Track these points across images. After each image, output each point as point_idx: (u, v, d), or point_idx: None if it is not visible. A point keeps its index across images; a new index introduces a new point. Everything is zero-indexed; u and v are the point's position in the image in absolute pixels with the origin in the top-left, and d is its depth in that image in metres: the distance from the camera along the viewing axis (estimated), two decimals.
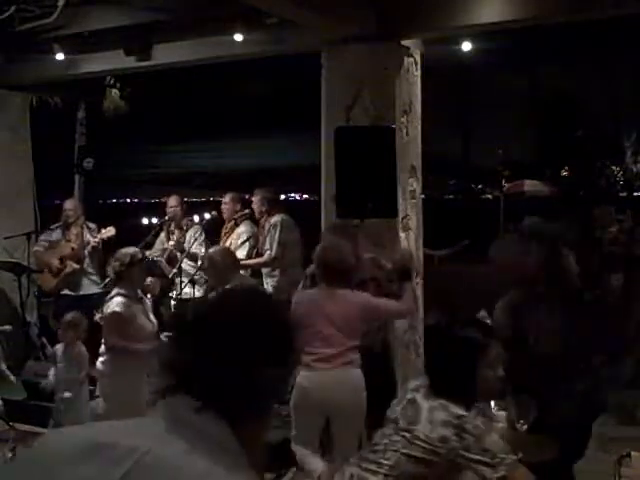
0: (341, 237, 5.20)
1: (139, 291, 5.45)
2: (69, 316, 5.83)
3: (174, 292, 7.52)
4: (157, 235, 8.22)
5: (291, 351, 1.41)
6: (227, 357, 1.34)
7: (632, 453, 3.48)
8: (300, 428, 4.77)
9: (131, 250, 5.47)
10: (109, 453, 1.20)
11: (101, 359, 5.29)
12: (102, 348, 5.29)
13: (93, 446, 1.22)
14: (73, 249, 7.93)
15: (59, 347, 5.83)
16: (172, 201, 8.20)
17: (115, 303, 5.15)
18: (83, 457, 1.21)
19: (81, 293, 8.00)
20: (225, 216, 7.70)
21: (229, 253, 6.11)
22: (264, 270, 7.39)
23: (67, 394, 5.49)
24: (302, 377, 4.70)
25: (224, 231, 7.69)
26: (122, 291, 5.18)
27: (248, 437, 1.33)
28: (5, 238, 8.43)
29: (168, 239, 8.09)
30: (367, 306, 4.75)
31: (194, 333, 1.38)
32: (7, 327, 7.75)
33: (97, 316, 5.50)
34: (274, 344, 1.38)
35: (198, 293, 7.40)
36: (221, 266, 5.68)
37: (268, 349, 1.36)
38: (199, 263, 7.45)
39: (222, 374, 1.33)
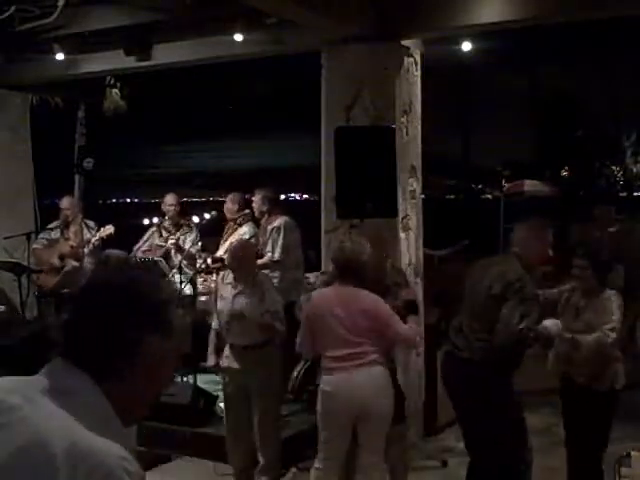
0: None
1: None
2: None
3: None
4: (151, 234, 8.22)
5: (147, 318, 1.54)
6: (90, 321, 1.53)
7: (632, 453, 3.48)
8: (329, 434, 4.71)
9: (117, 253, 5.35)
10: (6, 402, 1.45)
11: None
12: None
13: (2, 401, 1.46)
14: (72, 247, 7.93)
15: None
16: (171, 199, 8.19)
17: None
18: (6, 410, 1.44)
19: None
20: (227, 216, 7.70)
21: (251, 246, 6.14)
22: (265, 271, 7.40)
23: None
24: (324, 381, 4.70)
25: (226, 231, 7.69)
26: None
27: (116, 396, 1.49)
28: (5, 238, 8.43)
29: (162, 238, 8.09)
30: (376, 312, 4.63)
31: (72, 303, 1.61)
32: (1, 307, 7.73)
33: None
34: (130, 309, 1.53)
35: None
36: (248, 259, 5.65)
37: (125, 314, 1.52)
38: (198, 263, 7.47)
39: (87, 336, 1.52)
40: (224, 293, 5.62)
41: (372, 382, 4.60)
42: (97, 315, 1.53)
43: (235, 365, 5.42)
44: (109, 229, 8.02)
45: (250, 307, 5.31)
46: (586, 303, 4.59)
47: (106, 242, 8.09)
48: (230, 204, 7.69)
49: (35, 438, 1.39)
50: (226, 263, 6.27)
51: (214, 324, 5.83)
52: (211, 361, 5.78)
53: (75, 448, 1.37)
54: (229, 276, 5.71)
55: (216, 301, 5.78)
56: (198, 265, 7.46)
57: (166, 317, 1.58)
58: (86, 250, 8.00)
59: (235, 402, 5.51)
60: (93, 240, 7.96)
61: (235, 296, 5.48)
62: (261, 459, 5.47)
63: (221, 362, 5.59)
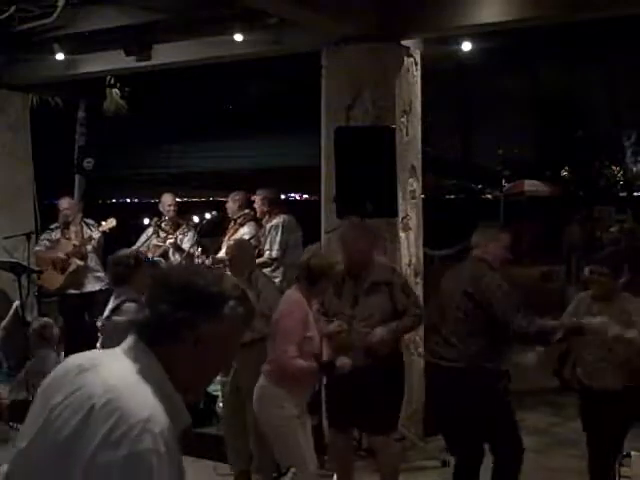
0: (359, 236, 5.04)
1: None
2: (35, 322, 5.60)
3: None
4: (149, 235, 8.22)
5: (202, 308, 1.87)
6: (155, 309, 1.87)
7: (632, 453, 3.48)
8: None
9: (131, 252, 5.27)
10: (84, 368, 1.86)
11: None
12: None
13: (79, 365, 1.88)
14: (75, 246, 7.94)
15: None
16: (169, 199, 8.20)
17: (128, 310, 4.79)
18: (79, 371, 1.85)
19: (85, 291, 8.01)
20: (229, 215, 7.72)
21: (246, 245, 6.13)
22: (265, 270, 7.40)
23: None
24: None
25: (229, 230, 7.70)
26: (130, 296, 4.85)
27: (175, 372, 1.85)
28: (5, 238, 8.44)
29: (159, 238, 8.10)
30: (279, 318, 4.54)
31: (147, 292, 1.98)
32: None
33: (99, 322, 5.25)
34: (187, 301, 1.86)
35: None
36: (246, 258, 5.64)
37: (182, 305, 1.85)
38: (197, 262, 7.47)
39: (152, 321, 1.87)
40: None
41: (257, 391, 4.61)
42: (160, 304, 1.86)
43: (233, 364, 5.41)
44: (111, 222, 8.03)
45: None
46: (600, 308, 4.56)
47: (109, 238, 8.10)
48: (231, 203, 7.70)
49: (88, 391, 1.77)
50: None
51: None
52: None
53: (109, 405, 1.71)
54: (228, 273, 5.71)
55: None
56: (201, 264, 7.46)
57: (219, 308, 1.89)
58: (89, 248, 8.00)
59: (232, 401, 5.51)
60: (95, 234, 7.96)
61: None
62: (255, 458, 5.47)
63: None
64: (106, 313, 4.98)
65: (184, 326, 1.85)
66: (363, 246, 4.99)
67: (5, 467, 1.93)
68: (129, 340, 1.90)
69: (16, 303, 7.65)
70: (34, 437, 1.82)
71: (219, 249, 7.57)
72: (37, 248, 8.17)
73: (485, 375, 4.56)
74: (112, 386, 1.76)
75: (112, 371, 1.82)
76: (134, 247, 8.01)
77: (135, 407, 1.71)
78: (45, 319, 6.12)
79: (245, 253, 5.73)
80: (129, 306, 4.83)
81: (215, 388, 6.43)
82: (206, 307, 1.87)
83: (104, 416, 1.70)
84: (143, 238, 8.18)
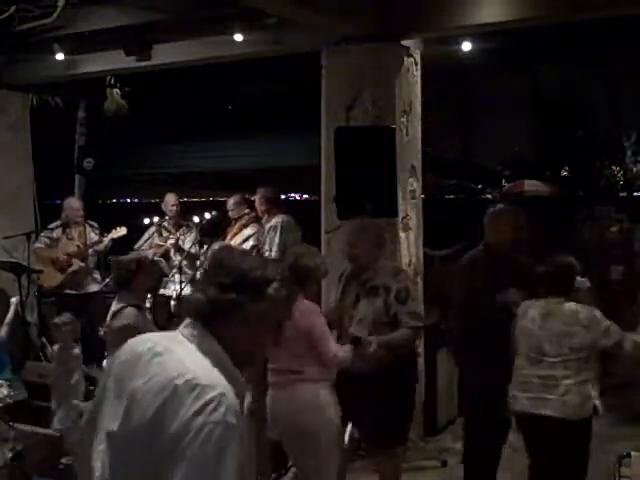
0: (364, 237, 4.89)
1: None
2: (59, 317, 5.61)
3: (172, 291, 7.51)
4: (151, 234, 8.23)
5: (247, 290, 2.08)
6: (206, 289, 2.10)
7: (632, 453, 3.48)
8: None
9: (134, 256, 5.21)
10: (156, 352, 2.06)
11: None
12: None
13: (150, 349, 2.08)
14: (79, 247, 7.95)
15: (55, 348, 5.63)
16: (172, 199, 8.22)
17: (127, 315, 4.80)
18: (152, 355, 2.06)
19: (83, 292, 8.02)
20: (231, 215, 7.72)
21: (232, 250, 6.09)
22: None
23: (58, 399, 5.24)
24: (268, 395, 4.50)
25: (231, 230, 7.69)
26: (131, 302, 4.85)
27: (228, 346, 2.07)
28: (5, 238, 8.43)
29: (161, 237, 8.11)
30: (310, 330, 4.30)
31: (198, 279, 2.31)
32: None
33: (102, 331, 5.19)
34: (234, 283, 2.08)
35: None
36: None
37: (230, 287, 2.08)
38: (198, 262, 7.47)
39: (205, 302, 2.09)
40: None
41: (297, 401, 4.35)
42: (211, 287, 2.09)
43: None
44: (122, 231, 8.05)
45: None
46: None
47: (115, 243, 8.13)
48: (235, 205, 7.71)
49: (169, 374, 1.97)
50: None
51: None
52: None
53: (189, 383, 1.93)
54: None
55: None
56: (199, 263, 7.45)
57: (262, 290, 2.10)
58: (90, 251, 8.02)
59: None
60: (106, 241, 7.98)
61: None
62: None
63: None
64: (108, 318, 4.97)
65: (232, 306, 2.07)
66: (365, 248, 4.84)
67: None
68: (187, 323, 2.11)
69: (14, 299, 7.63)
70: (122, 419, 2.00)
71: None
72: (37, 245, 8.17)
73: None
74: (188, 368, 1.97)
75: (183, 354, 2.03)
76: (136, 246, 8.03)
77: (210, 384, 1.93)
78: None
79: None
80: (129, 311, 4.82)
81: None
82: (251, 289, 2.09)
83: (187, 393, 1.91)
84: (145, 237, 8.19)
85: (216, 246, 6.29)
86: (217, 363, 2.04)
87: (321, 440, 4.29)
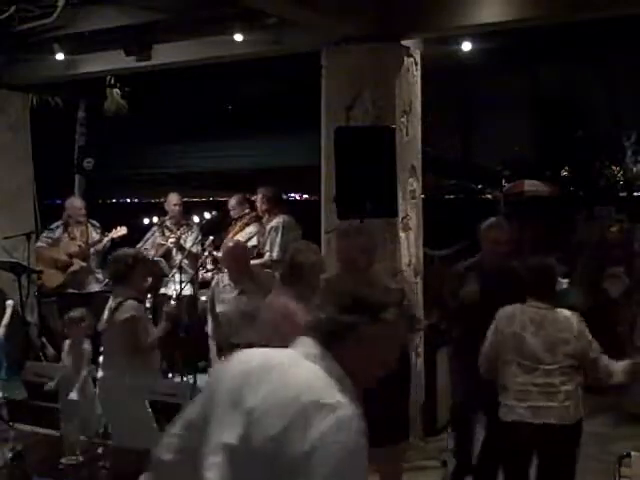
0: (354, 240, 4.73)
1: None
2: (75, 312, 5.58)
3: (172, 290, 7.51)
4: (153, 233, 8.24)
5: (363, 313, 2.11)
6: (322, 311, 2.15)
7: (632, 453, 3.48)
8: None
9: (131, 250, 5.26)
10: (268, 369, 2.07)
11: (105, 371, 4.99)
12: (103, 359, 5.02)
13: (261, 366, 2.09)
14: (80, 247, 7.95)
15: (66, 344, 5.58)
16: (174, 199, 8.22)
17: (130, 307, 4.82)
18: (265, 372, 2.06)
19: (85, 291, 8.02)
20: (233, 215, 7.72)
21: (242, 247, 6.11)
22: (268, 271, 7.40)
23: (73, 395, 5.22)
24: None
25: (232, 229, 7.69)
26: (131, 295, 4.87)
27: (345, 365, 2.08)
28: (5, 238, 8.43)
29: (164, 237, 8.11)
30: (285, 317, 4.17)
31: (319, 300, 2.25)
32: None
33: (101, 325, 5.19)
34: (351, 307, 2.12)
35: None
36: (243, 260, 5.60)
37: (346, 310, 2.11)
38: (199, 262, 7.47)
39: (323, 323, 2.13)
40: (224, 296, 5.62)
41: None
42: (329, 309, 2.14)
43: None
44: (122, 230, 8.07)
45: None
46: None
47: (115, 243, 8.13)
48: (236, 204, 7.72)
49: (291, 392, 1.98)
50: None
51: (209, 330, 5.81)
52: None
53: (318, 402, 1.94)
54: (224, 278, 5.70)
55: (212, 309, 5.76)
56: (204, 257, 7.43)
57: (379, 314, 2.12)
58: (92, 250, 8.02)
59: None
60: (105, 240, 7.99)
61: (238, 297, 5.48)
62: None
63: None
64: (106, 314, 4.96)
65: (348, 328, 2.11)
66: (360, 262, 4.62)
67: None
68: (305, 342, 2.14)
69: (10, 302, 7.63)
70: (243, 434, 1.99)
71: (218, 247, 7.55)
72: (39, 244, 8.18)
73: None
74: (314, 386, 2.01)
75: (306, 372, 2.06)
76: (138, 245, 8.04)
77: (337, 403, 1.96)
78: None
79: (241, 255, 5.70)
80: (131, 303, 4.84)
81: None
82: (368, 312, 2.12)
83: (315, 412, 1.93)
84: (148, 236, 8.19)
85: (230, 243, 6.28)
86: (338, 382, 2.05)
87: None
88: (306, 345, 2.13)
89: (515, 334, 4.34)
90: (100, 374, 5.02)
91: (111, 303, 4.97)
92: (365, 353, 2.14)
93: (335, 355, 2.09)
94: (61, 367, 5.51)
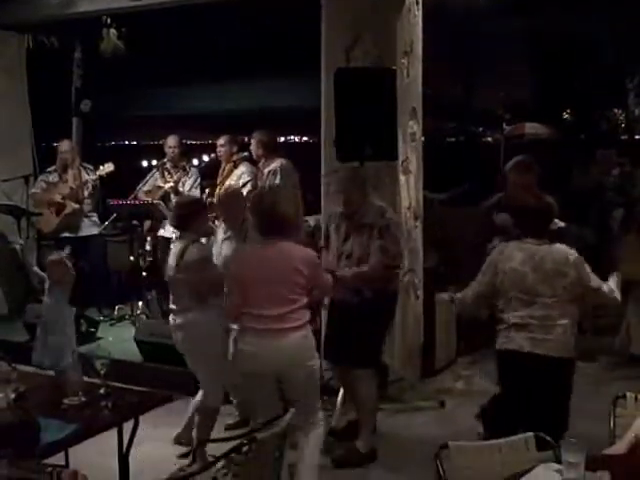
0: (347, 181, 5.20)
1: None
2: (53, 255, 5.53)
3: (171, 232, 7.47)
4: (153, 175, 8.21)
5: None
6: None
7: (627, 394, 3.52)
8: (253, 395, 4.58)
9: (195, 197, 5.31)
10: None
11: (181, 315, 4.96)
12: (182, 303, 4.95)
13: None
14: (72, 189, 7.92)
15: (46, 286, 5.53)
16: (171, 141, 8.15)
17: (198, 249, 4.91)
18: None
19: (81, 235, 8.01)
20: (222, 158, 7.64)
21: (238, 193, 6.08)
22: None
23: (51, 338, 5.18)
24: (248, 343, 4.36)
25: (222, 173, 7.63)
26: (195, 238, 4.96)
27: None
28: (3, 181, 8.42)
29: (163, 179, 8.08)
30: (311, 263, 4.37)
31: None
32: None
33: (170, 270, 5.12)
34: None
35: None
36: (236, 206, 5.59)
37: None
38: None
39: None
40: (218, 236, 5.67)
41: (296, 348, 4.32)
42: None
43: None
44: (109, 167, 8.02)
45: None
46: None
47: (106, 182, 8.09)
48: (225, 146, 7.61)
49: None
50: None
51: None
52: None
53: None
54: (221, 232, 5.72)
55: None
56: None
57: None
58: (86, 193, 7.99)
59: None
60: (92, 178, 7.96)
61: (224, 241, 5.51)
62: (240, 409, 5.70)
63: None
64: (172, 259, 4.96)
65: None
66: (355, 195, 5.13)
67: None
68: None
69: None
70: None
71: (213, 192, 7.50)
72: (33, 190, 8.15)
73: None
74: None
75: None
76: (138, 186, 8.02)
77: None
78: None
79: (236, 204, 5.66)
80: (198, 245, 4.97)
81: None
82: None
83: None
84: (147, 178, 8.16)
85: (222, 192, 6.26)
86: None
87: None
88: None
89: (514, 269, 4.40)
90: (179, 320, 4.95)
91: (176, 248, 5.00)
92: None
93: None
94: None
